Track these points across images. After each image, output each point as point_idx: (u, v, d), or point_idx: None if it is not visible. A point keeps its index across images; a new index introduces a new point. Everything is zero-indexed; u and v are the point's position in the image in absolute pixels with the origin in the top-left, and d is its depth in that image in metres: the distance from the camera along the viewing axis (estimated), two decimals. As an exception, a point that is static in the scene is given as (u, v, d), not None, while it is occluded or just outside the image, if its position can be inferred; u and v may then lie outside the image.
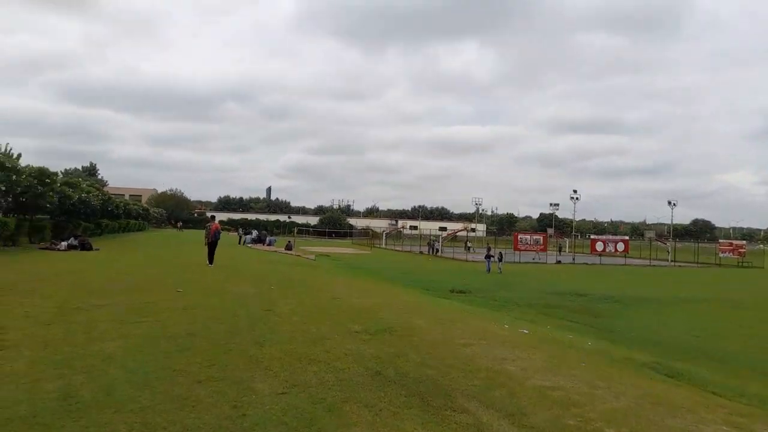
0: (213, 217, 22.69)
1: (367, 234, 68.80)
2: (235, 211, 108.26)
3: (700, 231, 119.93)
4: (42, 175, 23.80)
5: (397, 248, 55.16)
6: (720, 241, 62.17)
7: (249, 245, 38.60)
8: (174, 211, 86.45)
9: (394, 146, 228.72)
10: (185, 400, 4.42)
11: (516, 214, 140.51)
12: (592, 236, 59.82)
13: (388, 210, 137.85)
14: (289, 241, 38.55)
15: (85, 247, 22.74)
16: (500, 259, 30.46)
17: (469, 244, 51.98)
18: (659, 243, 57.33)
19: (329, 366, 5.68)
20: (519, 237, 44.67)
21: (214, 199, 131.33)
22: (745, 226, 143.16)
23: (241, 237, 42.77)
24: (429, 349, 6.82)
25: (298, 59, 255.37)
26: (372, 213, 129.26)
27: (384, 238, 63.75)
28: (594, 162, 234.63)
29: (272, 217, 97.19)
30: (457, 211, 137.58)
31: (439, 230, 69.68)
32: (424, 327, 8.51)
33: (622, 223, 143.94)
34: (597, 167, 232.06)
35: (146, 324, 7.34)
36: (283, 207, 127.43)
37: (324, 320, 8.40)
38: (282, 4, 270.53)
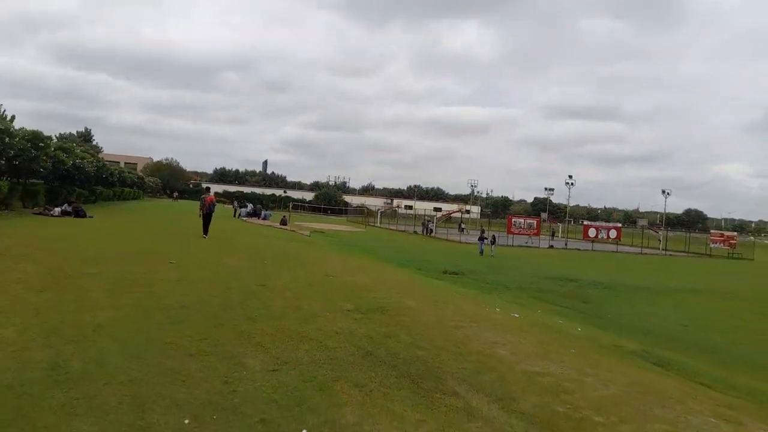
0: (208, 189, 22.48)
1: (362, 212, 68.72)
2: (230, 183, 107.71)
3: (692, 221, 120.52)
4: (36, 138, 23.44)
5: (392, 227, 55.23)
6: (711, 231, 62.50)
7: (244, 218, 38.49)
8: (169, 181, 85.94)
9: (393, 125, 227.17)
10: (176, 373, 4.41)
11: (511, 198, 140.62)
12: (585, 222, 60.02)
13: (384, 188, 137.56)
14: (284, 216, 38.46)
15: (78, 213, 22.56)
16: (493, 242, 30.56)
17: (463, 226, 52.05)
18: (651, 231, 57.66)
19: (321, 344, 5.68)
20: (513, 220, 44.79)
21: (209, 170, 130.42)
22: (737, 218, 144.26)
23: (236, 210, 42.60)
24: (420, 330, 6.83)
25: (300, 31, 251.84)
26: (368, 191, 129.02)
27: (379, 216, 63.81)
28: (591, 148, 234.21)
29: (268, 191, 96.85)
30: (452, 192, 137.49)
31: (434, 211, 69.68)
32: (416, 308, 8.53)
33: (615, 210, 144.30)
34: (593, 153, 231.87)
35: (138, 294, 7.30)
36: (279, 181, 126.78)
37: (317, 297, 8.39)
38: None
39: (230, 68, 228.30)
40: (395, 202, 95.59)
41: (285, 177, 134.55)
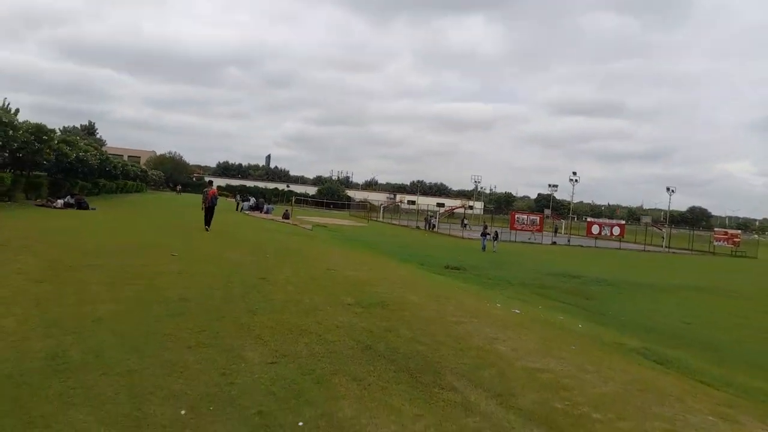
0: (211, 182, 22.49)
1: (365, 206, 68.69)
2: (233, 177, 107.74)
3: (696, 218, 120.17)
4: (39, 131, 23.52)
5: (394, 222, 55.18)
6: (715, 229, 62.34)
7: (246, 212, 38.51)
8: (172, 175, 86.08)
9: (396, 120, 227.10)
10: (174, 365, 4.41)
11: (514, 194, 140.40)
12: (588, 219, 59.91)
13: (387, 183, 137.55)
14: (287, 210, 38.47)
15: (81, 206, 22.61)
16: (495, 238, 30.49)
17: (465, 221, 51.98)
18: (655, 228, 57.45)
19: (320, 337, 5.67)
20: (516, 216, 44.72)
21: (213, 164, 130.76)
22: (741, 216, 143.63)
23: (238, 203, 42.62)
24: (421, 325, 6.82)
25: (302, 26, 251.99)
26: (371, 186, 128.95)
27: (381, 211, 63.74)
28: (594, 145, 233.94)
29: (270, 185, 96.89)
30: (455, 187, 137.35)
31: (437, 206, 69.64)
32: (417, 302, 8.51)
33: (619, 207, 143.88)
34: (597, 150, 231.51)
35: (139, 287, 7.30)
36: (281, 175, 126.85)
37: (318, 291, 8.39)
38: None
39: (233, 63, 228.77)
40: (398, 197, 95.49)
41: (288, 171, 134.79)
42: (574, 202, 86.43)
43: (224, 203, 31.66)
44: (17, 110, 28.12)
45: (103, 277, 7.75)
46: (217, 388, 4.03)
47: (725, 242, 52.14)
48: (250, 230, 21.83)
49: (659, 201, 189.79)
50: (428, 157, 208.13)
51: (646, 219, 66.02)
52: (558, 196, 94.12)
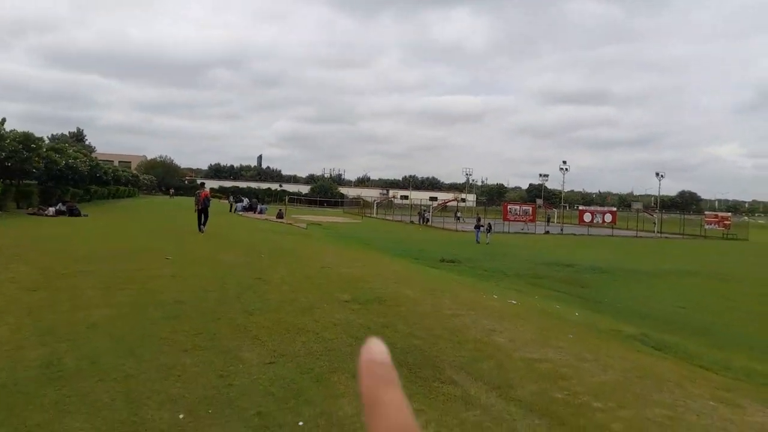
0: (203, 184, 22.35)
1: (358, 203, 68.59)
2: (226, 178, 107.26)
3: (686, 203, 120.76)
4: (27, 140, 23.31)
5: (388, 218, 55.14)
6: (706, 213, 62.66)
7: (240, 213, 38.36)
8: (164, 178, 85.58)
9: (386, 116, 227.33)
10: (171, 369, 4.37)
11: (506, 185, 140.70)
12: (580, 207, 60.12)
13: (380, 179, 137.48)
14: (281, 210, 38.34)
15: (73, 212, 22.44)
16: (489, 230, 30.51)
17: (459, 214, 52.02)
18: (646, 214, 57.75)
19: (317, 336, 5.64)
20: (508, 207, 44.75)
21: (204, 166, 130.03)
22: (731, 198, 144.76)
23: (232, 205, 42.45)
24: (417, 319, 6.81)
25: (289, 26, 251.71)
26: (363, 182, 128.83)
27: (375, 207, 63.67)
28: (583, 133, 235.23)
29: (263, 185, 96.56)
30: (447, 181, 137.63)
31: (430, 200, 69.61)
32: (413, 297, 8.50)
33: (609, 194, 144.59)
34: (586, 139, 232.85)
35: (133, 291, 7.25)
36: (274, 175, 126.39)
37: (313, 289, 8.35)
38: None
39: (221, 65, 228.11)
40: (391, 192, 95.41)
41: (280, 171, 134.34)
42: (566, 191, 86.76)
43: (217, 205, 31.49)
44: (4, 119, 27.83)
45: (96, 282, 7.68)
46: (215, 391, 4.00)
47: (716, 225, 52.45)
48: (244, 231, 21.74)
49: (649, 187, 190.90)
50: (418, 152, 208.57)
51: (637, 205, 66.39)
52: (549, 185, 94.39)
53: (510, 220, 42.07)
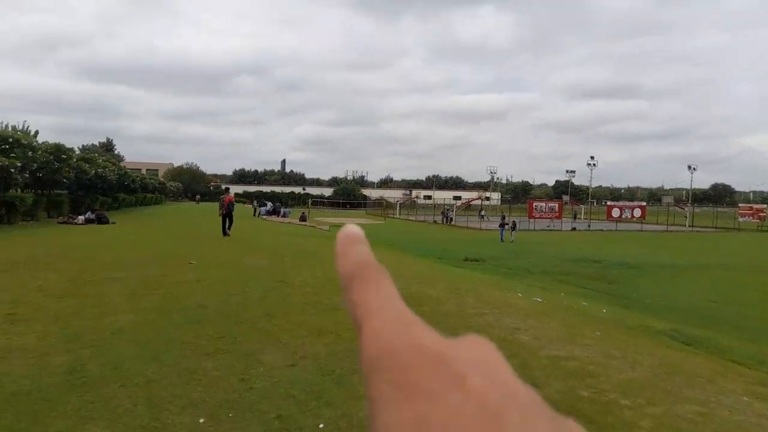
0: (227, 189, 22.68)
1: (381, 204, 68.65)
2: (250, 183, 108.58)
3: (719, 195, 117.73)
4: (58, 151, 24.00)
5: (411, 218, 55.05)
6: (740, 205, 60.94)
7: (264, 217, 38.75)
8: (190, 185, 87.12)
9: (408, 116, 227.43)
10: (192, 373, 4.39)
11: (531, 182, 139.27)
12: (608, 202, 59.05)
13: (402, 180, 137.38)
14: (304, 213, 38.62)
15: (102, 220, 22.97)
16: (513, 228, 30.17)
17: (483, 213, 51.62)
18: (677, 208, 56.44)
19: (339, 337, 5.61)
20: (534, 205, 44.28)
21: (229, 172, 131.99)
22: (766, 190, 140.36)
23: (256, 209, 42.91)
24: (441, 319, 6.73)
25: (312, 30, 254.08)
26: (386, 183, 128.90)
27: (398, 208, 63.66)
28: (610, 128, 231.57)
29: (287, 189, 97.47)
30: (471, 180, 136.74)
31: (453, 199, 69.25)
32: (437, 296, 8.43)
33: (639, 189, 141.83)
34: (614, 133, 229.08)
35: (158, 297, 7.34)
36: (297, 179, 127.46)
37: (336, 291, 8.33)
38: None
39: (245, 72, 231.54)
40: (414, 192, 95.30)
41: (303, 174, 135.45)
42: (593, 186, 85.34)
43: (241, 209, 31.86)
44: (36, 132, 28.71)
45: (122, 289, 7.80)
46: (236, 394, 4.00)
47: (750, 218, 50.99)
48: (267, 234, 21.93)
49: (680, 180, 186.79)
50: (440, 152, 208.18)
51: (668, 199, 64.94)
52: (576, 181, 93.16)
53: (535, 218, 41.61)
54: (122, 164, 49.79)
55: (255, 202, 46.86)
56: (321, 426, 3.56)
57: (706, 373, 5.25)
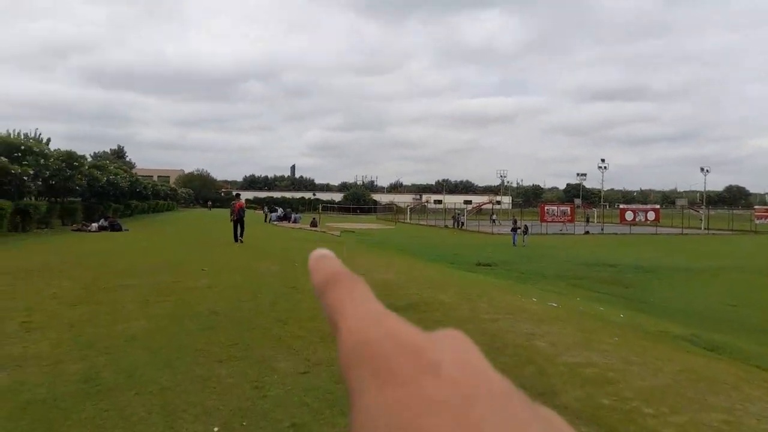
0: (238, 195, 22.76)
1: (392, 209, 68.63)
2: (260, 189, 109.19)
3: (734, 198, 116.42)
4: (70, 158, 24.21)
5: (422, 223, 54.95)
6: (755, 207, 60.14)
7: (274, 223, 38.87)
8: (201, 191, 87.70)
9: (416, 120, 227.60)
10: (206, 380, 4.35)
11: (542, 185, 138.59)
12: (621, 206, 58.51)
13: (412, 184, 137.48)
14: (314, 218, 38.68)
15: (114, 227, 23.13)
16: (525, 232, 29.98)
17: (494, 217, 51.39)
18: (692, 211, 55.81)
19: (352, 344, 5.55)
20: (545, 208, 43.95)
21: (239, 178, 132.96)
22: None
23: (266, 215, 43.07)
24: (454, 325, 6.52)
25: (318, 35, 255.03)
26: (396, 188, 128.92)
27: (408, 212, 63.59)
28: (620, 130, 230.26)
29: (297, 195, 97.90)
30: (481, 184, 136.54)
31: (464, 203, 69.02)
32: (449, 302, 8.34)
33: (652, 191, 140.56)
34: (623, 136, 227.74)
35: (170, 303, 7.33)
36: (307, 184, 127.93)
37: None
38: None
39: (253, 78, 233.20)
40: (424, 197, 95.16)
41: (313, 180, 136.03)
42: (605, 189, 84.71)
43: (252, 216, 31.97)
44: (48, 139, 28.99)
45: (135, 296, 7.80)
46: (249, 402, 3.95)
47: (767, 219, 50.26)
48: (278, 240, 21.95)
49: (694, 182, 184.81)
50: (449, 156, 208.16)
51: (682, 202, 64.21)
52: (587, 184, 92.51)
53: (547, 222, 41.31)
54: (134, 171, 50.28)
55: (266, 208, 47.01)
56: (336, 435, 3.50)
57: (731, 380, 5.12)
